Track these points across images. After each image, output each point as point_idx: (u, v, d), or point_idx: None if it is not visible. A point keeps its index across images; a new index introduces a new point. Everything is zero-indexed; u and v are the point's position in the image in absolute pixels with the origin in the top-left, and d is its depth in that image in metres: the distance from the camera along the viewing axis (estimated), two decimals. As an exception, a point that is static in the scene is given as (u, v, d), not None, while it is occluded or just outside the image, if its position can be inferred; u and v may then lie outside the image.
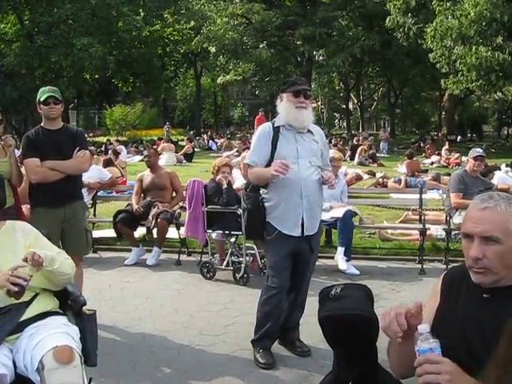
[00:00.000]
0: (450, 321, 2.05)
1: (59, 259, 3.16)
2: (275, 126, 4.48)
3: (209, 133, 39.26)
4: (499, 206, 2.14)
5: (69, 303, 3.24)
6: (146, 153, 8.92)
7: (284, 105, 4.48)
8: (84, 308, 3.20)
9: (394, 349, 2.24)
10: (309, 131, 4.55)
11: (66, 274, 3.20)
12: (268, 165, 4.37)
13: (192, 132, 42.08)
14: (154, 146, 19.91)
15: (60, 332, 2.91)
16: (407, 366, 2.23)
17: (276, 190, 4.39)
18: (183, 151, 24.08)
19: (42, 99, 4.92)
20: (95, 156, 13.92)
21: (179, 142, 32.39)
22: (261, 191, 4.49)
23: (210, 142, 32.83)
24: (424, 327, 1.97)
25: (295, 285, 4.66)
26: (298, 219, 4.39)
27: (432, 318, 2.30)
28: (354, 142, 26.10)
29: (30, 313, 3.04)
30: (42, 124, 5.05)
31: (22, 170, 5.04)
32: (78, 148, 5.00)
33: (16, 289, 2.85)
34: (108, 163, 13.79)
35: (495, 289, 2.16)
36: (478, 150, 7.71)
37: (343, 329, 2.42)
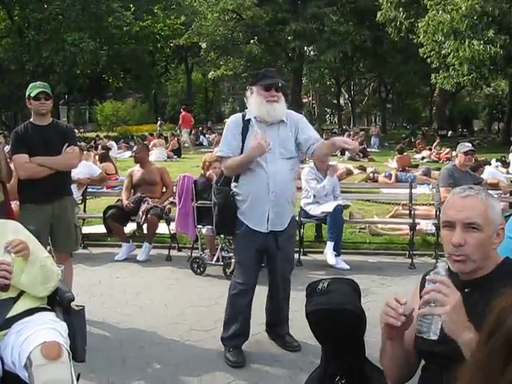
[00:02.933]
0: None
1: (46, 263, 3.16)
2: (246, 118, 4.40)
3: (200, 128, 39.14)
4: (480, 194, 2.22)
5: (57, 299, 3.23)
6: (135, 148, 8.89)
7: (255, 98, 4.38)
8: (72, 304, 3.19)
9: (386, 354, 2.26)
10: (280, 121, 4.42)
11: (49, 281, 3.17)
12: None
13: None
14: (145, 142, 19.90)
15: (48, 328, 2.90)
16: (400, 368, 2.27)
17: (244, 184, 4.36)
18: (170, 147, 23.91)
19: (32, 94, 4.89)
20: (85, 152, 13.93)
21: (169, 138, 32.29)
22: (232, 185, 4.44)
23: (201, 137, 32.71)
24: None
25: (271, 282, 4.67)
26: (264, 214, 4.33)
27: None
28: (346, 137, 26.02)
29: (17, 309, 3.03)
30: (31, 119, 5.03)
31: (11, 166, 5.02)
32: (67, 144, 4.99)
33: (6, 282, 2.86)
34: (103, 158, 13.78)
35: (474, 281, 2.20)
36: (468, 145, 7.74)
37: (330, 323, 2.43)
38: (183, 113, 27.85)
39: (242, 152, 4.32)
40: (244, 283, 4.50)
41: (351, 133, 27.94)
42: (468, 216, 2.17)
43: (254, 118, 4.37)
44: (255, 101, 4.37)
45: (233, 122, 4.48)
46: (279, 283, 4.66)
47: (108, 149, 17.36)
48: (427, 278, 2.08)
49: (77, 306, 3.21)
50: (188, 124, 27.89)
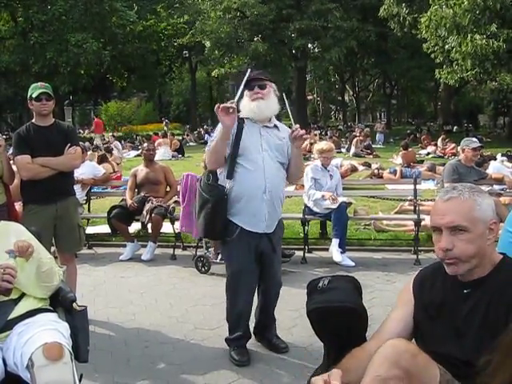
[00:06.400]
0: (431, 319, 2.07)
1: (46, 263, 3.16)
2: (240, 117, 4.27)
3: (205, 126, 39.28)
4: (462, 195, 2.17)
5: (59, 300, 3.23)
6: (146, 145, 8.80)
7: (243, 99, 4.31)
8: (74, 304, 3.19)
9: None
10: (275, 126, 4.38)
11: (51, 281, 3.18)
12: (232, 158, 4.21)
13: (188, 126, 42.08)
14: (150, 141, 19.94)
15: (49, 329, 2.90)
16: None
17: (239, 183, 4.18)
18: (172, 148, 23.91)
19: (33, 95, 4.89)
20: (90, 152, 13.97)
21: (175, 137, 32.44)
22: (226, 183, 4.24)
23: (206, 135, 32.76)
24: None
25: (265, 285, 4.55)
26: (262, 214, 4.20)
27: (402, 327, 2.31)
28: (356, 133, 25.61)
29: (19, 310, 3.03)
30: (33, 120, 5.03)
31: (13, 167, 5.02)
32: (69, 144, 4.99)
33: (9, 286, 2.85)
34: (102, 159, 13.83)
35: (473, 282, 2.17)
36: (475, 140, 7.70)
37: (330, 321, 2.42)
38: (96, 119, 31.78)
39: (237, 151, 4.20)
40: (241, 289, 4.40)
41: (356, 129, 27.79)
42: (451, 220, 2.14)
43: (247, 118, 4.30)
44: (243, 101, 4.31)
45: None
46: (274, 286, 4.57)
47: (109, 150, 17.38)
48: None
49: (79, 306, 3.21)
50: (99, 129, 30.86)
